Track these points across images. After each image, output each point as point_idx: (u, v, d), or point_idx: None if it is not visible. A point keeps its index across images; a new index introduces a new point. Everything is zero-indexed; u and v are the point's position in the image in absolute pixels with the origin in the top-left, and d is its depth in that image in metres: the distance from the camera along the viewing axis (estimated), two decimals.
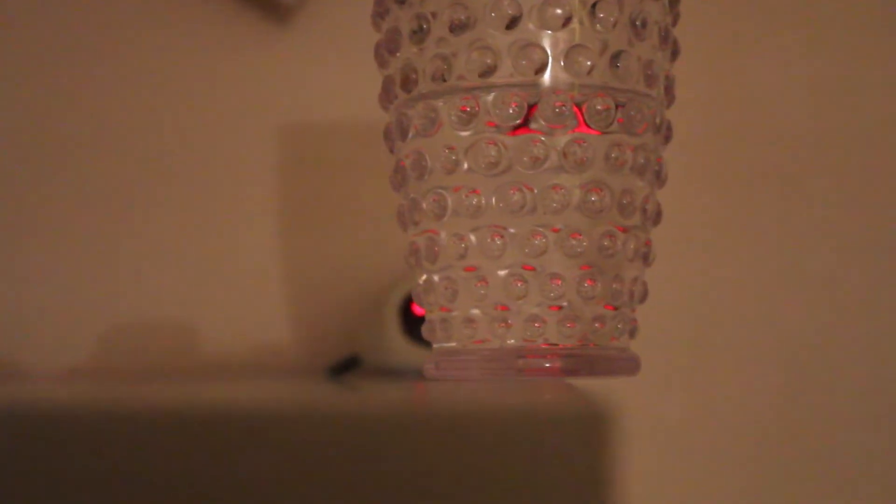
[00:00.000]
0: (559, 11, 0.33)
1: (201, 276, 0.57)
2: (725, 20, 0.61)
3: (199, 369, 0.56)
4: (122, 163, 0.56)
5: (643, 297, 0.37)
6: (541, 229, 0.34)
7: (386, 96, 0.37)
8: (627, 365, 0.36)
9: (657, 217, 0.37)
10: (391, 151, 0.37)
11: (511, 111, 0.33)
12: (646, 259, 0.36)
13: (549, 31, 0.33)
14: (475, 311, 0.35)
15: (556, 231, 0.34)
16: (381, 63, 0.37)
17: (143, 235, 0.56)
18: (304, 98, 0.58)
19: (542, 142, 0.33)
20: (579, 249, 0.34)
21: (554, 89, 0.33)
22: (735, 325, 0.59)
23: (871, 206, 0.61)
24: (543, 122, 0.33)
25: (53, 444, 0.13)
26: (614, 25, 0.34)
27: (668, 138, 0.37)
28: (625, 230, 0.35)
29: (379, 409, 0.15)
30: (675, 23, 0.37)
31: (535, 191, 0.34)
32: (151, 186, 0.56)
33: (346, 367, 0.56)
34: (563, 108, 0.33)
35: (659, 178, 0.36)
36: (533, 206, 0.34)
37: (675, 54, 0.37)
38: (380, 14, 0.36)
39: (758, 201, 0.60)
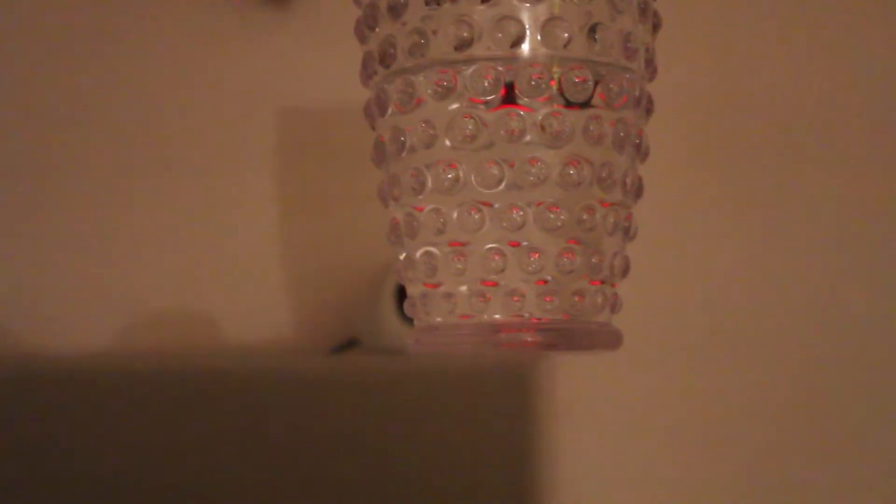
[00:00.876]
0: None
1: (203, 262, 0.57)
2: (732, 6, 0.61)
3: (203, 349, 0.56)
4: (123, 151, 0.56)
5: (624, 271, 0.37)
6: (519, 203, 0.34)
7: (366, 72, 0.37)
8: (608, 339, 0.35)
9: (638, 191, 0.37)
10: (372, 128, 0.37)
11: (486, 84, 0.33)
12: (626, 233, 0.36)
13: (527, 4, 0.33)
14: (454, 287, 0.35)
15: (538, 206, 0.34)
16: (361, 39, 0.37)
17: (142, 222, 0.56)
18: (303, 83, 0.58)
19: (520, 115, 0.33)
20: (558, 223, 0.34)
21: (530, 62, 0.33)
22: (739, 314, 0.59)
23: (880, 195, 0.60)
24: (520, 95, 0.33)
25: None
26: None
27: (649, 111, 0.37)
28: (605, 204, 0.35)
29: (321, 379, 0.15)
30: None
31: (514, 165, 0.33)
32: (152, 173, 0.57)
33: (345, 348, 0.56)
34: (540, 80, 0.33)
35: (640, 152, 0.36)
36: (511, 180, 0.33)
37: (656, 27, 0.37)
38: None
39: (759, 186, 0.60)
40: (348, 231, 0.59)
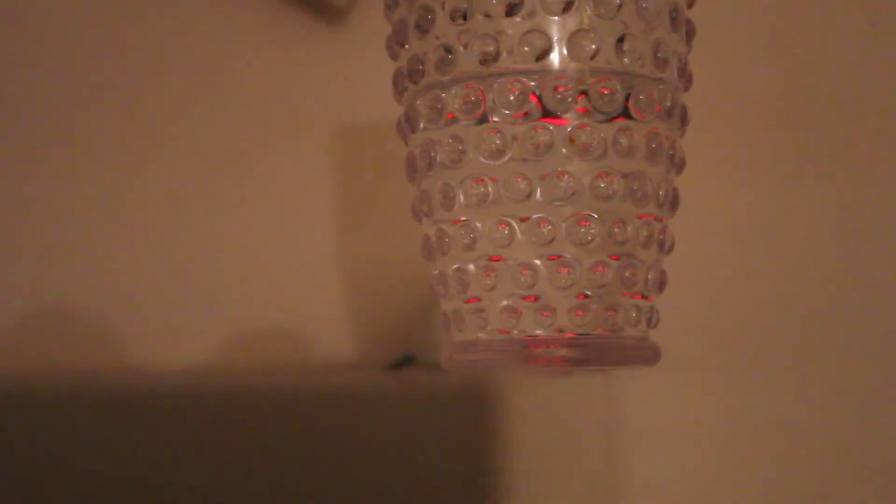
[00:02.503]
0: None
1: (259, 279, 0.57)
2: (786, 11, 0.60)
3: (258, 367, 0.57)
4: (178, 170, 0.57)
5: (661, 285, 0.36)
6: (548, 217, 0.33)
7: (397, 89, 0.37)
8: (644, 354, 0.35)
9: (674, 203, 0.36)
10: (406, 144, 0.37)
11: (512, 98, 0.33)
12: (661, 246, 0.36)
13: (555, 17, 0.33)
14: (486, 302, 0.35)
15: (569, 219, 0.33)
16: (393, 56, 0.37)
17: (195, 240, 0.57)
18: (357, 99, 0.59)
19: (548, 129, 0.33)
20: (588, 237, 0.33)
21: (556, 75, 0.33)
22: (778, 322, 0.57)
23: None
24: (547, 109, 0.33)
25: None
26: (619, 8, 0.33)
27: (684, 122, 0.36)
28: (638, 217, 0.34)
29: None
30: (690, 4, 0.36)
31: (542, 178, 0.33)
32: (207, 191, 0.57)
33: (402, 365, 0.56)
34: (566, 93, 0.33)
35: (674, 164, 0.36)
36: (540, 193, 0.33)
37: (689, 35, 0.36)
38: (389, 7, 0.37)
39: (817, 198, 0.58)
40: (405, 247, 0.59)
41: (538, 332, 0.34)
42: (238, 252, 0.58)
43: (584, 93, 0.33)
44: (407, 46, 0.36)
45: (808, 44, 0.60)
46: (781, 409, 0.56)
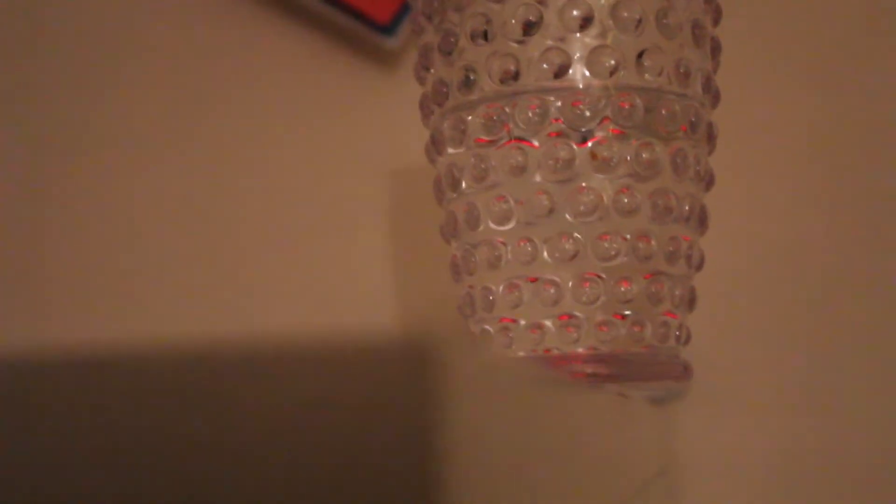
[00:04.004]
0: (577, 13, 0.33)
1: (314, 323, 0.58)
2: (832, 38, 0.59)
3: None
4: (228, 213, 0.58)
5: (690, 302, 0.36)
6: (570, 232, 0.33)
7: (424, 113, 0.37)
8: (671, 370, 0.35)
9: (701, 219, 0.36)
10: (434, 167, 0.38)
11: (531, 115, 0.33)
12: (689, 262, 0.35)
13: (576, 34, 0.33)
14: (510, 320, 0.35)
15: (593, 235, 0.33)
16: (420, 81, 0.37)
17: (251, 282, 0.58)
18: (410, 142, 0.59)
19: (569, 145, 0.33)
20: (612, 252, 0.33)
21: (575, 91, 0.33)
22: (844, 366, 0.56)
23: None
24: (566, 125, 0.33)
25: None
26: (638, 24, 0.33)
27: (711, 138, 0.36)
28: (664, 232, 0.34)
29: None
30: (715, 21, 0.36)
31: (564, 195, 0.33)
32: (265, 235, 0.59)
33: None
34: (585, 109, 0.33)
35: (701, 180, 0.35)
36: (561, 208, 0.33)
37: (715, 52, 0.36)
38: (415, 32, 0.37)
39: (867, 224, 0.57)
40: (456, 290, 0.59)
41: (561, 348, 0.34)
42: (294, 293, 0.58)
43: (603, 108, 0.33)
44: (432, 70, 0.36)
45: (854, 72, 0.59)
46: (834, 441, 0.55)
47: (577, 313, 0.34)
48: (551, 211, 0.33)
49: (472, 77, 0.34)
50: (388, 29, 0.56)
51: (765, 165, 0.57)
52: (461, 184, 0.35)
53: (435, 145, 0.36)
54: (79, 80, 0.62)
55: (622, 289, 0.34)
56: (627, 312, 0.34)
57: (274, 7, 0.62)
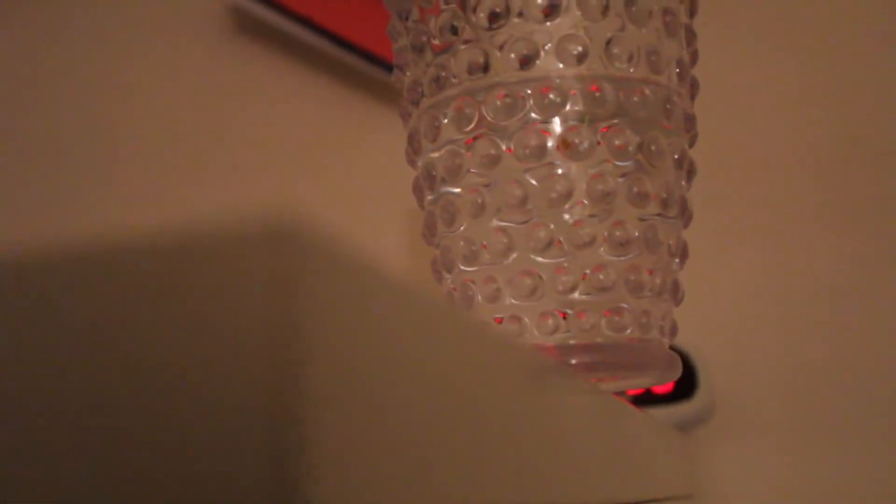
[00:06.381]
0: (542, 1, 0.33)
1: None
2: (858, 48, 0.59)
3: None
4: None
5: (674, 291, 0.35)
6: (543, 221, 0.33)
7: (402, 117, 0.37)
8: (655, 361, 0.34)
9: (682, 209, 0.35)
10: (414, 169, 0.38)
11: (499, 104, 0.33)
12: (670, 249, 0.35)
13: (546, 24, 0.33)
14: (488, 314, 0.34)
15: (565, 219, 0.33)
16: (398, 84, 0.38)
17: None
18: None
19: (539, 133, 0.33)
20: (587, 239, 0.33)
21: (544, 80, 0.33)
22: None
23: None
24: (535, 113, 0.33)
25: None
26: (605, 11, 0.33)
27: (689, 128, 0.36)
28: (638, 218, 0.34)
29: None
30: (691, 11, 0.36)
31: (536, 182, 0.33)
32: None
33: None
34: (554, 97, 0.33)
35: (680, 168, 0.35)
36: (535, 197, 0.33)
37: (689, 41, 0.36)
38: (392, 37, 0.38)
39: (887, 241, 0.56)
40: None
41: (542, 339, 0.33)
42: None
43: (576, 97, 0.33)
44: (408, 73, 0.36)
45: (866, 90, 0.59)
46: (855, 472, 0.53)
47: (554, 303, 0.33)
48: (524, 200, 0.33)
49: (443, 74, 0.35)
50: None
51: (782, 187, 0.56)
52: (437, 181, 0.35)
53: (412, 146, 0.36)
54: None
55: (600, 277, 0.33)
56: (605, 301, 0.33)
57: (289, 51, 0.63)
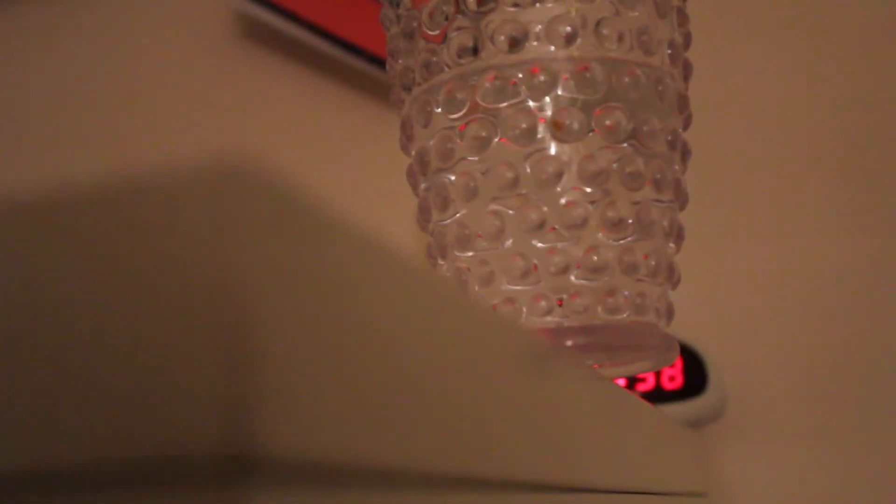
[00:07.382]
0: None
1: None
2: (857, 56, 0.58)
3: None
4: None
5: (669, 273, 0.35)
6: (534, 200, 0.33)
7: (395, 103, 0.37)
8: (651, 342, 0.33)
9: (677, 191, 0.35)
10: (408, 156, 0.38)
11: (489, 86, 0.33)
12: (664, 230, 0.34)
13: (536, 6, 0.33)
14: (481, 296, 0.34)
15: (559, 199, 0.33)
16: (391, 72, 0.38)
17: None
18: None
19: (530, 114, 0.33)
20: (578, 220, 0.33)
21: (533, 62, 0.33)
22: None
23: None
24: (525, 95, 0.33)
25: None
26: None
27: (682, 109, 0.35)
28: (632, 201, 0.34)
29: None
30: None
31: (527, 164, 0.33)
32: None
33: None
34: (544, 78, 0.33)
35: (673, 149, 0.35)
36: (527, 178, 0.33)
37: (681, 24, 0.36)
38: (384, 26, 0.38)
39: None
40: None
41: (536, 321, 0.33)
42: None
43: (566, 77, 0.33)
44: (400, 61, 0.36)
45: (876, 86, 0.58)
46: (866, 474, 0.52)
47: (549, 286, 0.33)
48: (516, 182, 0.33)
49: (434, 59, 0.35)
50: None
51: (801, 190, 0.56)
52: (430, 167, 0.35)
53: (405, 133, 0.36)
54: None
55: (593, 258, 0.33)
56: (600, 283, 0.33)
57: (296, 56, 0.63)
